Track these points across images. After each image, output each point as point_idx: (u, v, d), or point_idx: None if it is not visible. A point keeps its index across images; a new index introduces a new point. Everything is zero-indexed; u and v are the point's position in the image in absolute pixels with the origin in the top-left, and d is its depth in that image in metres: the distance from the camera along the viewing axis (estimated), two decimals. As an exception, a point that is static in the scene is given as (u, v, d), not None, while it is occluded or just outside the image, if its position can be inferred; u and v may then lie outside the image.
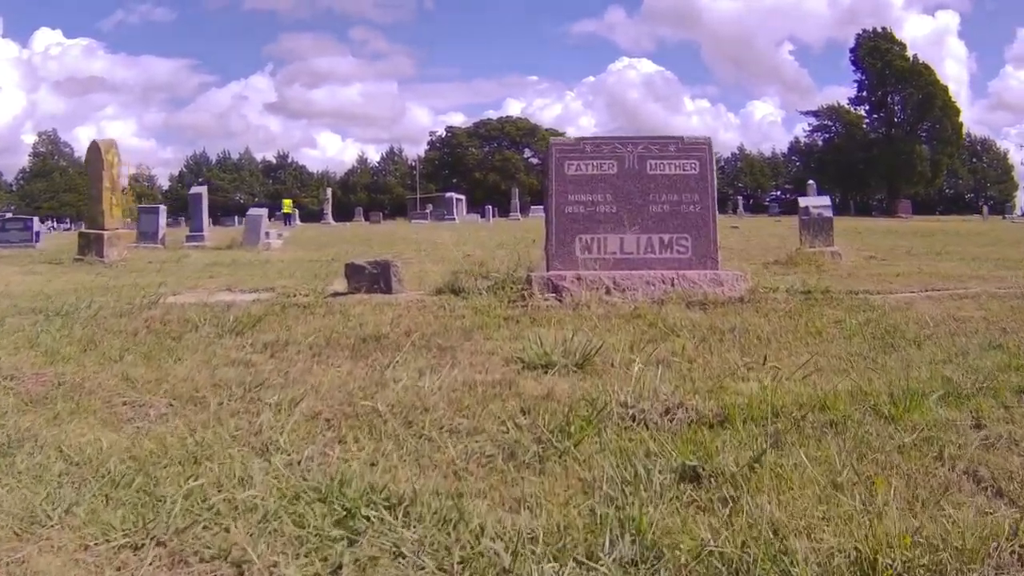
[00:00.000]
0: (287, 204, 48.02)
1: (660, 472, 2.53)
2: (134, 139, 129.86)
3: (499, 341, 4.89)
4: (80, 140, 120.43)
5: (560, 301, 5.87)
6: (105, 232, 15.44)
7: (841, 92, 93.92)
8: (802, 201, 10.28)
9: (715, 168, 6.33)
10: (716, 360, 4.20)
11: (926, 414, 3.08)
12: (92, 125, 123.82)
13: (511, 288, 6.12)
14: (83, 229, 17.19)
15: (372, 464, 2.91)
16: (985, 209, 53.21)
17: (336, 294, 7.34)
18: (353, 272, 7.15)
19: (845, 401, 3.26)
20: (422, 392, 3.78)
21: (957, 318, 5.34)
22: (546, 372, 4.08)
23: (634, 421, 3.08)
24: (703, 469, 2.52)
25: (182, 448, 3.21)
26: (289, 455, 3.08)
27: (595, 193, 6.23)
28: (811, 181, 34.96)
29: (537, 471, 2.72)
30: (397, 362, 4.46)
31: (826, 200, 10.63)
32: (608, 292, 5.90)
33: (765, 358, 3.99)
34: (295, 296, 7.49)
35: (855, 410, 3.14)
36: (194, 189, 21.09)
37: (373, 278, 7.04)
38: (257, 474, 2.88)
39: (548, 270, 6.24)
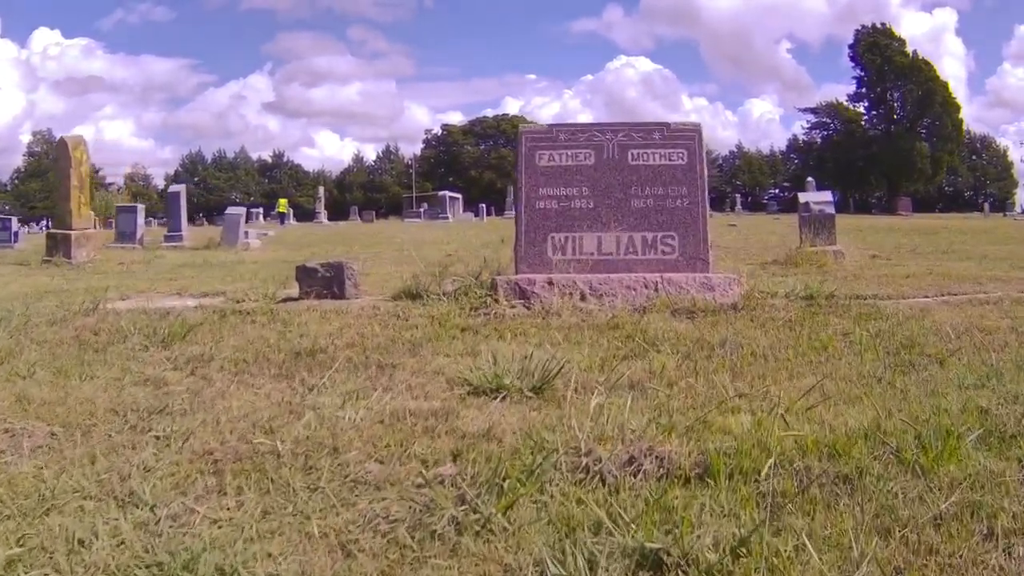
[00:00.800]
0: (282, 203, 47.10)
1: (610, 558, 1.84)
2: (133, 139, 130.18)
3: (450, 357, 4.20)
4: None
5: (528, 308, 5.17)
6: (73, 232, 14.75)
7: (839, 90, 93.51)
8: (802, 197, 9.55)
9: (705, 158, 5.63)
10: (701, 384, 3.50)
11: (964, 463, 2.38)
12: (91, 125, 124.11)
13: (475, 293, 5.42)
14: (51, 229, 16.52)
15: (241, 529, 2.23)
16: (986, 206, 52.49)
17: (287, 299, 6.65)
18: (304, 275, 6.45)
19: (861, 444, 2.56)
20: (339, 425, 3.10)
21: (982, 328, 4.64)
22: (495, 398, 3.39)
23: (587, 474, 2.38)
24: (669, 555, 1.83)
25: (34, 495, 2.55)
26: (151, 510, 2.41)
27: (570, 186, 5.52)
28: (810, 178, 34.06)
29: (448, 548, 2.03)
30: (324, 384, 3.78)
31: (827, 196, 9.89)
32: (583, 298, 5.20)
33: (758, 396, 3.29)
34: (244, 301, 6.85)
35: (874, 458, 2.44)
36: (172, 188, 20.39)
37: (326, 282, 6.35)
38: (101, 537, 2.22)
39: (516, 273, 5.54)
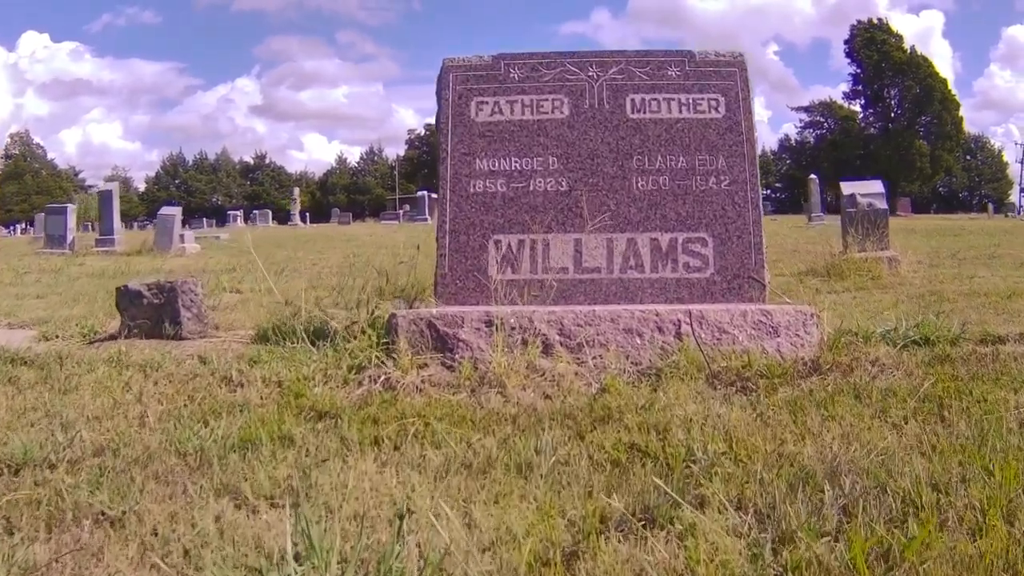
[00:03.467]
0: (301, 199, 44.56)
1: None
2: (120, 141, 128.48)
3: (240, 510, 1.93)
4: (65, 143, 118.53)
5: (450, 369, 2.91)
6: (-37, 235, 12.36)
7: (827, 92, 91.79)
8: (846, 188, 7.30)
9: (753, 110, 3.37)
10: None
11: None
12: (79, 128, 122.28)
13: (363, 341, 3.14)
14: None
15: None
16: (990, 207, 50.51)
17: (109, 337, 4.36)
18: (127, 303, 4.16)
19: None
20: None
21: None
22: None
23: None
24: None
25: None
26: None
27: (527, 156, 3.27)
28: (813, 175, 31.58)
29: None
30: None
31: (878, 186, 7.63)
32: (548, 351, 2.94)
33: None
34: (52, 339, 4.64)
35: None
36: (103, 186, 18.05)
37: (154, 312, 4.07)
38: None
39: (436, 303, 3.26)
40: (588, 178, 3.25)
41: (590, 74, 3.31)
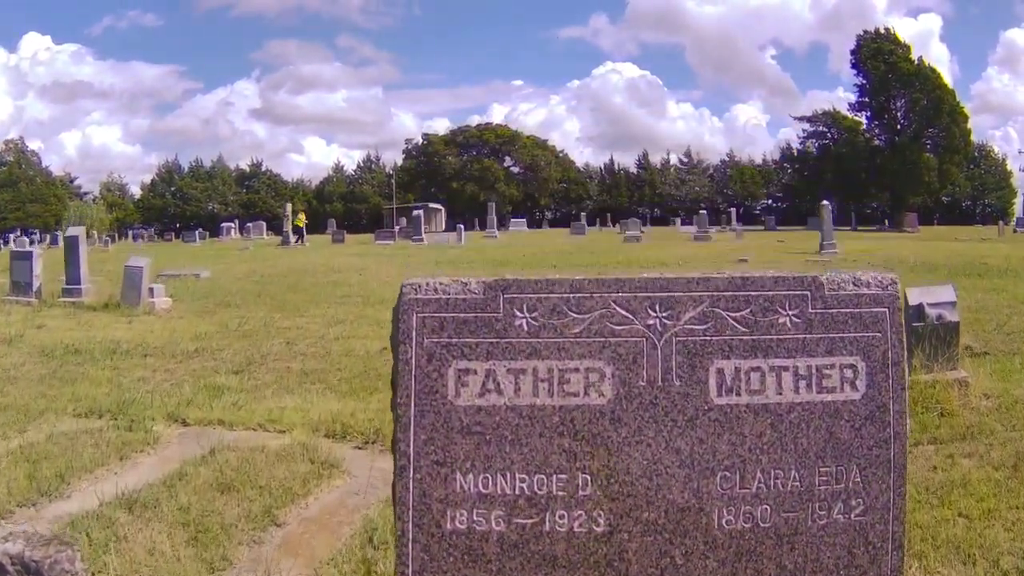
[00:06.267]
0: (300, 218, 41.28)
1: None
2: (120, 144, 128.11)
3: None
4: (65, 146, 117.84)
5: None
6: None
7: (824, 97, 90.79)
8: (912, 295, 6.02)
9: (907, 379, 2.09)
10: None
11: None
12: (78, 131, 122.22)
13: None
14: None
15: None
16: (1000, 223, 49.24)
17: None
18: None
19: None
20: None
21: None
22: None
23: None
24: None
25: None
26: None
27: (542, 470, 1.94)
28: (825, 201, 29.61)
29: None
30: None
31: (949, 293, 6.31)
32: None
33: None
34: None
35: None
36: (71, 231, 16.93)
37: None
38: None
39: None
40: (641, 511, 1.93)
41: (650, 322, 2.00)
